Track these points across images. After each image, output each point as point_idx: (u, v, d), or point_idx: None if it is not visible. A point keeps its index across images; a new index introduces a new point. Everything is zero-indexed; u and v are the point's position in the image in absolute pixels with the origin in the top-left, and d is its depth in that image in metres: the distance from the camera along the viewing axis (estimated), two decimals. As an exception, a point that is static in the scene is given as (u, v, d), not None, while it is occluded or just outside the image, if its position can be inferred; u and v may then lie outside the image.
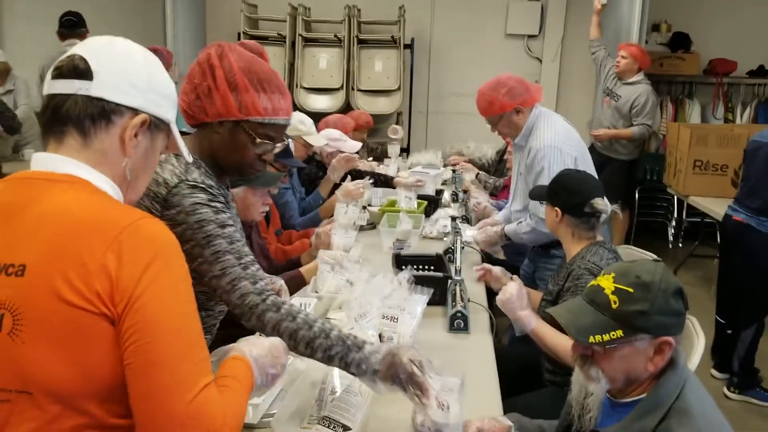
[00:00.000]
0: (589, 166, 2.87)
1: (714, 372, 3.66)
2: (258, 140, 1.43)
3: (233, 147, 1.44)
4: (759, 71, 6.13)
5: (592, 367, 1.34)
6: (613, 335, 1.28)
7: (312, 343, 1.34)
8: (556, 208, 2.21)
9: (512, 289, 2.08)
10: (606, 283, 1.32)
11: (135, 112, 1.03)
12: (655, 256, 2.77)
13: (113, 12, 6.15)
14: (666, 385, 1.29)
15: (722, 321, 3.56)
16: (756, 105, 6.11)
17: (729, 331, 3.49)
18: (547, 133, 2.71)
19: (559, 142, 2.67)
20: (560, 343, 1.95)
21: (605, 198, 2.19)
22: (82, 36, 4.62)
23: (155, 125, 1.07)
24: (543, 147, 2.67)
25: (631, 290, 1.28)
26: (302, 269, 2.42)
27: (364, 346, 1.35)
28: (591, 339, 1.29)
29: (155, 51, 4.17)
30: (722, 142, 4.60)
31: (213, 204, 1.38)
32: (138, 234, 0.95)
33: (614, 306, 1.29)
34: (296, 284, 2.37)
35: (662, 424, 1.25)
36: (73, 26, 4.71)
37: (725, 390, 3.48)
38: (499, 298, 2.09)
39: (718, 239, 3.86)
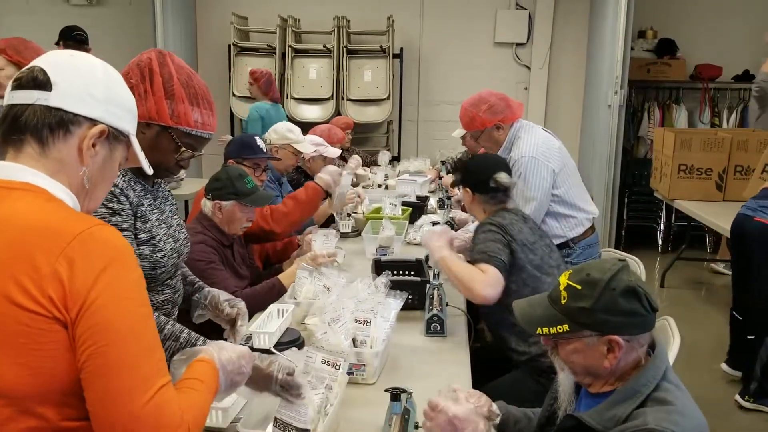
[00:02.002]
0: (573, 175, 2.92)
1: (725, 366, 3.61)
2: (182, 148, 1.51)
3: (156, 149, 1.49)
4: (744, 76, 6.18)
5: (555, 357, 1.39)
6: (560, 329, 1.32)
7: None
8: (467, 189, 2.39)
9: (437, 228, 2.39)
10: (563, 279, 1.36)
11: (93, 122, 1.06)
12: (636, 259, 2.83)
13: (103, 25, 6.20)
14: (644, 375, 1.29)
15: (740, 318, 3.45)
16: (742, 109, 6.15)
17: (750, 336, 3.33)
18: (527, 144, 2.80)
19: (536, 153, 2.76)
20: (463, 272, 2.11)
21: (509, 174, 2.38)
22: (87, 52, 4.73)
23: (114, 136, 1.09)
24: (521, 157, 2.75)
25: (579, 287, 1.31)
26: (281, 276, 2.45)
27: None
28: (538, 330, 1.35)
29: (264, 74, 4.12)
30: (706, 147, 4.64)
31: (110, 205, 1.44)
32: (91, 240, 0.96)
33: (563, 301, 1.33)
34: (276, 292, 2.40)
35: (637, 410, 1.25)
36: (82, 41, 4.81)
37: (738, 398, 3.34)
38: (422, 236, 2.35)
39: (729, 242, 3.69)
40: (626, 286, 1.29)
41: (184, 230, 1.73)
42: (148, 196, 1.59)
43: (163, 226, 1.61)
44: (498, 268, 2.06)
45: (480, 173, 2.33)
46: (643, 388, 1.27)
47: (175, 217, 1.70)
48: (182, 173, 3.98)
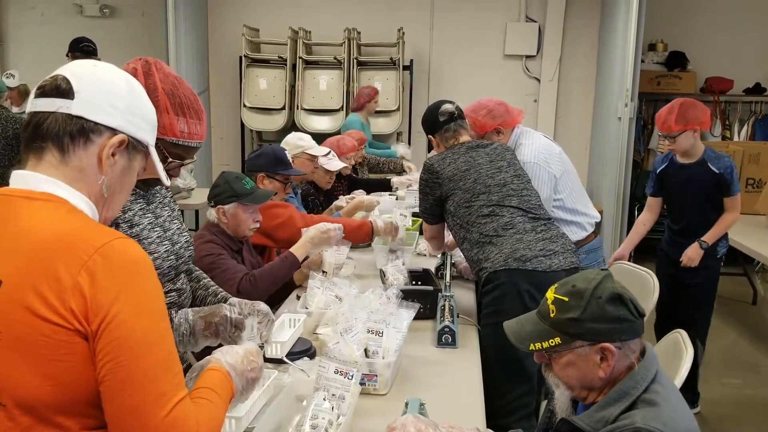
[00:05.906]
0: (574, 180, 2.93)
1: None
2: (169, 159, 1.50)
3: None
4: (755, 89, 6.17)
5: (550, 373, 1.41)
6: (552, 342, 1.34)
7: None
8: (431, 137, 2.63)
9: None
10: (550, 293, 1.39)
11: (114, 132, 1.06)
12: (650, 272, 2.82)
13: (116, 36, 6.28)
14: (633, 378, 1.31)
15: None
16: (753, 122, 6.13)
17: None
18: (528, 150, 2.82)
19: (538, 159, 2.79)
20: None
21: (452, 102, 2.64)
22: None
23: (133, 146, 1.10)
24: (523, 164, 2.76)
25: (566, 299, 1.34)
26: (293, 248, 2.52)
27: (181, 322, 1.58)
28: (531, 346, 1.37)
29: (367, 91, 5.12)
30: (717, 159, 4.60)
31: None
32: (113, 253, 0.97)
33: (552, 315, 1.35)
34: (289, 264, 2.48)
35: (626, 412, 1.27)
36: (90, 52, 4.88)
37: None
38: None
39: None
40: (611, 293, 1.32)
41: (185, 234, 1.75)
42: (140, 200, 1.62)
43: (157, 229, 1.63)
44: (428, 222, 2.65)
45: (430, 116, 2.61)
46: (632, 390, 1.30)
47: (175, 221, 1.72)
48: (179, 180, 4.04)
